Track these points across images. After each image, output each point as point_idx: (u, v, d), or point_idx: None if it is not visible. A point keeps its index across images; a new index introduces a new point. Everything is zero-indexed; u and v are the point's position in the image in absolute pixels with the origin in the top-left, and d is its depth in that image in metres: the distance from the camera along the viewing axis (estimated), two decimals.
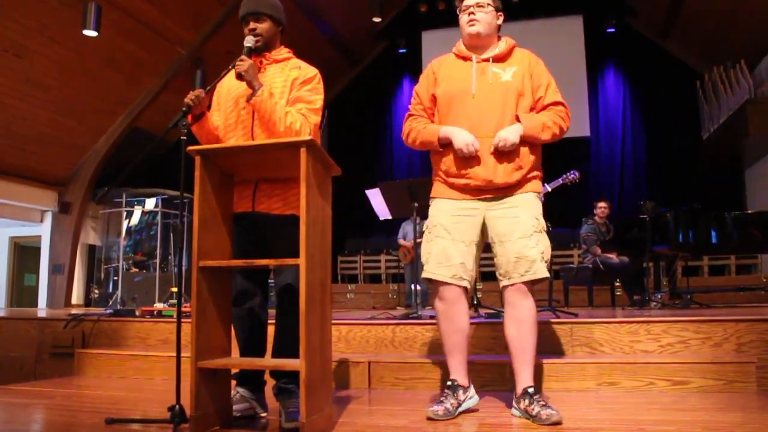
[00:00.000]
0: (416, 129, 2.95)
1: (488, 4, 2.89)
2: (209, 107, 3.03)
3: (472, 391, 2.84)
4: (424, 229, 2.98)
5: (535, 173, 2.86)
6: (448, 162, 2.84)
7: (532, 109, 2.85)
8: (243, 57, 2.80)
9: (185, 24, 10.07)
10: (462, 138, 2.73)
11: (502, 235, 2.76)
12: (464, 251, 2.80)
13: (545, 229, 2.84)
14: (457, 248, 2.79)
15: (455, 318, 2.82)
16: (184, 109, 2.69)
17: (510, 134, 2.71)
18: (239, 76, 2.77)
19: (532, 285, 2.78)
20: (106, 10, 8.48)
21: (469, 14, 2.88)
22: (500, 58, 2.88)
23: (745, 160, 11.46)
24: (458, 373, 2.82)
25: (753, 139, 9.59)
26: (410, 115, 3.04)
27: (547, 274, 2.75)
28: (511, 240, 2.74)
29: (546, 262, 2.76)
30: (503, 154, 2.75)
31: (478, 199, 2.81)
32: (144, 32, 9.55)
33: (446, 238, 2.81)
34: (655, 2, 11.93)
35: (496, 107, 2.78)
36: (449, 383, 2.81)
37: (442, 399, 2.76)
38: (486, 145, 2.75)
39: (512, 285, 2.76)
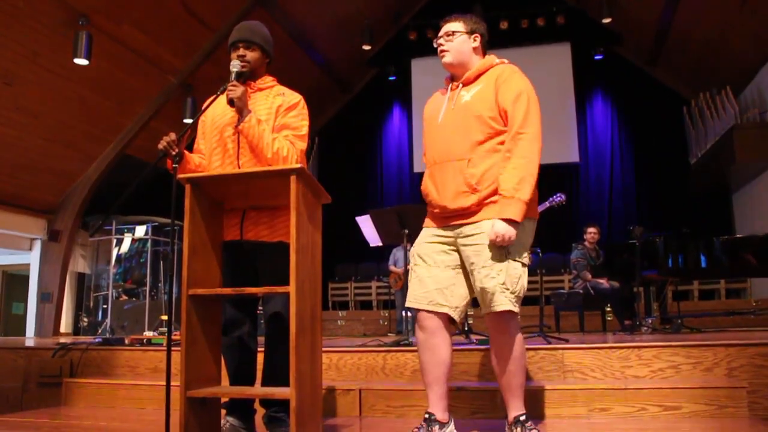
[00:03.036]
0: None
1: (455, 32, 2.88)
2: (194, 138, 3.04)
3: (451, 426, 2.76)
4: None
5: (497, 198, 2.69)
6: (423, 190, 2.90)
7: (495, 121, 2.72)
8: (235, 83, 2.81)
9: (176, 51, 10.11)
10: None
11: (471, 264, 2.69)
12: (440, 276, 2.73)
13: (517, 257, 2.68)
14: (431, 273, 2.73)
15: (436, 349, 2.72)
16: (160, 155, 2.70)
17: (502, 228, 2.57)
18: (231, 102, 2.78)
19: (503, 316, 2.64)
20: (97, 38, 8.52)
21: (439, 45, 2.90)
22: (469, 81, 2.87)
23: (732, 185, 11.56)
24: (436, 407, 2.73)
25: (739, 164, 9.69)
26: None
27: (509, 306, 2.60)
28: (476, 269, 2.66)
29: (512, 293, 2.62)
30: (456, 178, 2.70)
31: (447, 227, 2.78)
32: (135, 60, 9.58)
33: (421, 265, 2.79)
34: (642, 30, 12.10)
35: (457, 131, 2.76)
36: (426, 416, 2.72)
37: (414, 430, 2.70)
38: (446, 170, 2.74)
39: (488, 316, 2.69)
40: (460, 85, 2.87)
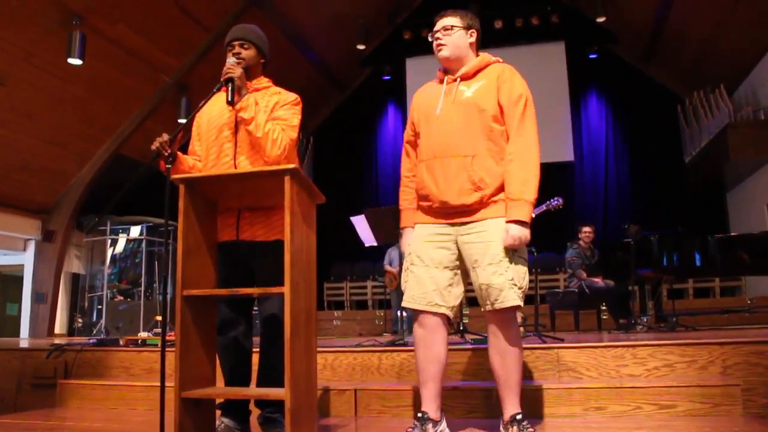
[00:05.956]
0: (404, 189, 3.17)
1: (453, 27, 2.88)
2: (188, 140, 3.03)
3: (443, 425, 2.76)
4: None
5: (503, 196, 2.72)
6: (419, 185, 2.86)
7: (495, 120, 2.75)
8: (233, 64, 2.81)
9: (171, 51, 10.08)
10: (405, 241, 2.99)
11: (474, 262, 2.70)
12: (438, 276, 2.73)
13: (520, 254, 2.71)
14: (430, 274, 2.73)
15: (432, 346, 2.74)
16: (153, 156, 2.69)
17: (517, 231, 2.63)
18: (230, 81, 2.76)
19: (508, 312, 2.69)
20: (91, 38, 8.49)
21: (436, 39, 2.89)
22: (468, 76, 2.86)
23: (726, 184, 11.60)
24: (430, 405, 2.74)
25: (733, 162, 9.73)
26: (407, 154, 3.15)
27: (517, 302, 2.64)
28: (481, 266, 2.67)
29: (519, 288, 2.65)
30: (459, 174, 2.69)
31: (449, 224, 2.76)
32: (129, 60, 9.55)
33: (419, 265, 2.77)
34: (637, 28, 12.12)
35: (459, 126, 2.75)
36: (420, 415, 2.73)
37: (408, 430, 2.70)
38: (448, 165, 2.72)
39: (490, 313, 2.70)
40: (458, 80, 2.86)
